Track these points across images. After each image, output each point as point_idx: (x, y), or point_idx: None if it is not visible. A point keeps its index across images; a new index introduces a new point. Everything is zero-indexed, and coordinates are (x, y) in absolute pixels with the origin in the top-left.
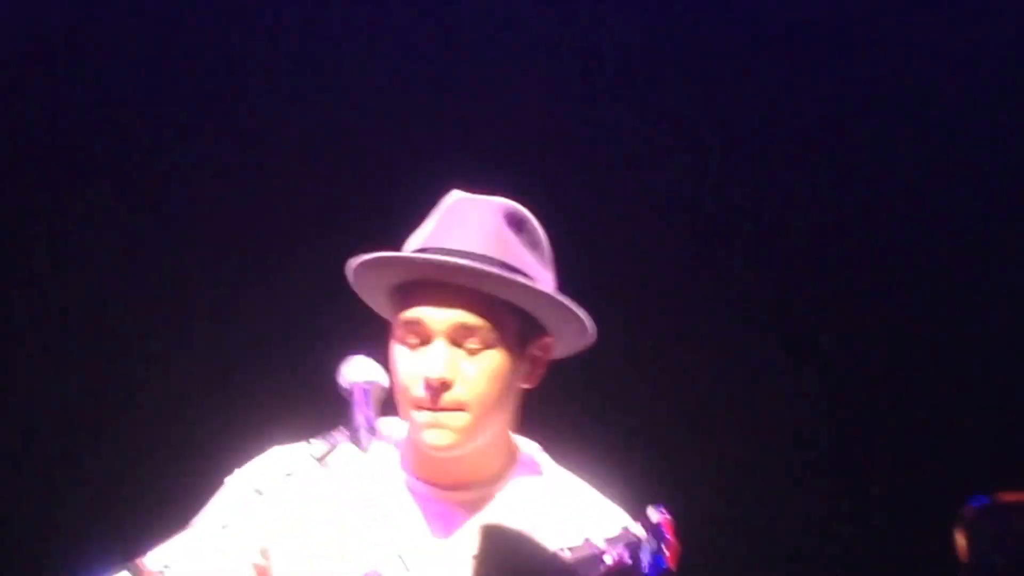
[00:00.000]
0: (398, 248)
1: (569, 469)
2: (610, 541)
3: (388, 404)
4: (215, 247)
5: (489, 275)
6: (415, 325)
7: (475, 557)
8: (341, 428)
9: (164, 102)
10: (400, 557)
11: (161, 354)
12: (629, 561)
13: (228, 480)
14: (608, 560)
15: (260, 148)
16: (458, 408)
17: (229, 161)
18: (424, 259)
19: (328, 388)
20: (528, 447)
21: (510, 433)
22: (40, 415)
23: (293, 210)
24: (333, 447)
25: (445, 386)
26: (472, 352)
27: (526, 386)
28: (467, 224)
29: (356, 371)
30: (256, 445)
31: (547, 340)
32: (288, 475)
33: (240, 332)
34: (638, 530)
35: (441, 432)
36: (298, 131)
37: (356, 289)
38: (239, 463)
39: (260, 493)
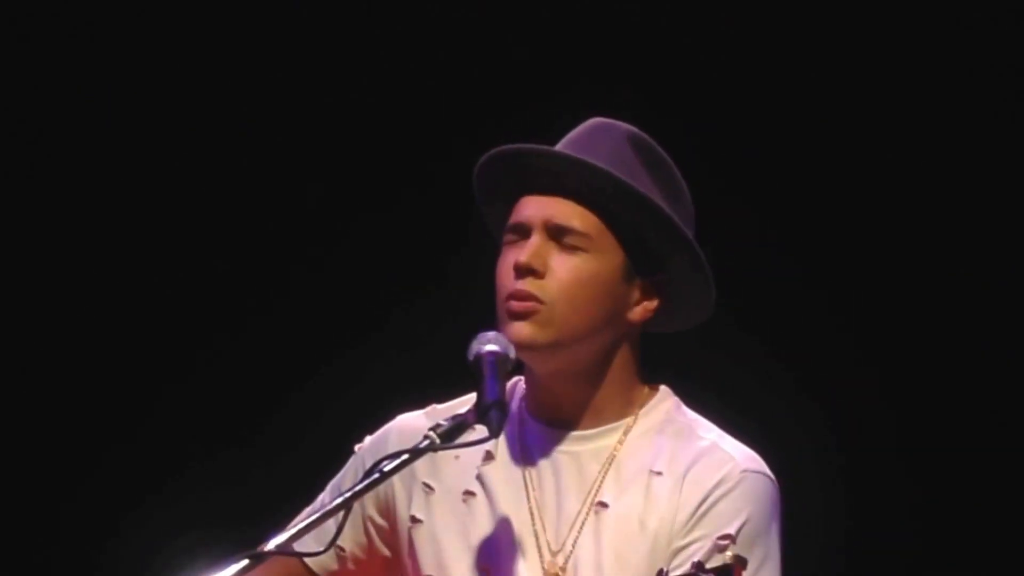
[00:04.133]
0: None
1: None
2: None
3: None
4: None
5: (575, 162)
6: (517, 223)
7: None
8: (471, 405)
9: None
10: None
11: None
12: None
13: (357, 448)
14: None
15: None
16: (541, 300)
17: None
18: (514, 148)
19: (460, 352)
20: (658, 394)
21: (636, 379)
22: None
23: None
24: (458, 426)
25: (532, 272)
26: (566, 250)
27: (633, 318)
28: (582, 140)
29: (483, 343)
30: (385, 410)
31: (661, 277)
32: (407, 452)
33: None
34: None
35: (524, 325)
36: None
37: (485, 210)
38: (370, 430)
39: (381, 464)
